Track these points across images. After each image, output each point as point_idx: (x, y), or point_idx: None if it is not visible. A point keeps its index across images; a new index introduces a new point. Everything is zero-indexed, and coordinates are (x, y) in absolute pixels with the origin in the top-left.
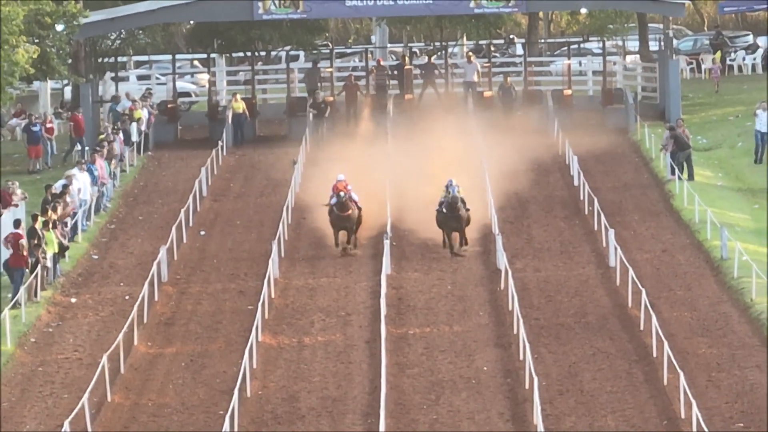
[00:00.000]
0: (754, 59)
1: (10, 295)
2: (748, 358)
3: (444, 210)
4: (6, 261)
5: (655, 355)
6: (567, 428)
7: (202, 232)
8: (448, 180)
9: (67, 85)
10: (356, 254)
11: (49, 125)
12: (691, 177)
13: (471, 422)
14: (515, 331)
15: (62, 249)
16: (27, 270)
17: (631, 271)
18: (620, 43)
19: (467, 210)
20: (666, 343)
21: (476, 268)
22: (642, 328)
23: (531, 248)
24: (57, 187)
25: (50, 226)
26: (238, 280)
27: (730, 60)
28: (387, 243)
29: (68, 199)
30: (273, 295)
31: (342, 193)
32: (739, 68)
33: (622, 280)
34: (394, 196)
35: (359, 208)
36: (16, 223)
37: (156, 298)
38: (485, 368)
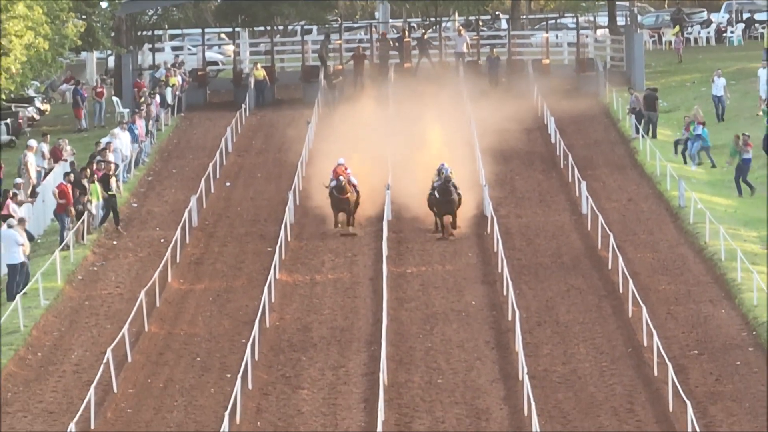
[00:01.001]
0: (708, 33)
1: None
2: (702, 294)
3: (436, 194)
4: (55, 208)
5: (621, 290)
6: (544, 354)
7: (228, 183)
8: (441, 164)
9: (110, 55)
10: (355, 234)
11: (99, 89)
12: (653, 135)
13: (461, 349)
14: (499, 270)
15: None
16: (74, 216)
17: (600, 218)
18: (592, 18)
19: (459, 194)
20: (630, 281)
21: (466, 214)
22: (610, 267)
23: (514, 197)
24: (102, 143)
25: (94, 178)
26: (259, 225)
27: (687, 33)
28: (388, 193)
29: (110, 156)
30: (289, 239)
31: (341, 177)
32: (695, 41)
33: (593, 226)
34: (395, 151)
35: (357, 192)
36: (65, 176)
37: (187, 241)
38: (473, 302)
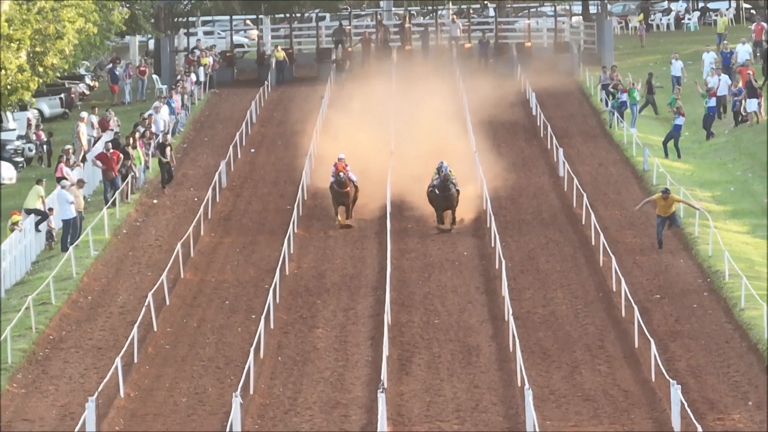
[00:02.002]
0: (668, 20)
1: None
2: (664, 246)
3: (436, 190)
4: (102, 171)
5: (593, 243)
6: (527, 298)
7: (252, 150)
8: (440, 162)
9: (150, 38)
10: (352, 226)
11: (141, 69)
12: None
13: (455, 294)
14: (488, 225)
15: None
16: (120, 178)
17: (575, 180)
18: (567, 7)
19: (457, 190)
20: (601, 234)
21: (460, 177)
22: (583, 222)
23: (500, 162)
24: (145, 115)
25: (137, 144)
26: (279, 186)
27: (650, 20)
28: (391, 154)
29: (153, 127)
30: (305, 198)
31: (341, 174)
32: (657, 27)
33: (569, 187)
34: (397, 120)
35: (356, 187)
36: (105, 144)
37: (217, 200)
38: (465, 253)
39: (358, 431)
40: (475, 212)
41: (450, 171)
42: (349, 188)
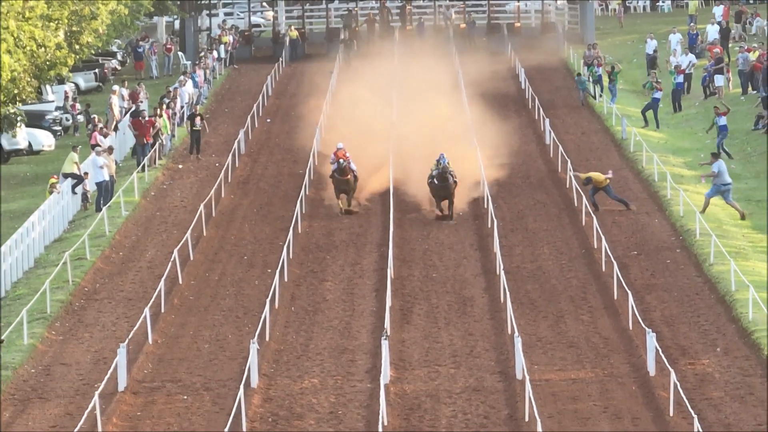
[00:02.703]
0: (645, 2)
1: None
2: (640, 207)
3: (435, 181)
4: (135, 137)
5: (576, 204)
6: (516, 254)
7: (268, 120)
8: (440, 154)
9: (176, 18)
10: (356, 212)
11: (168, 46)
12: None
13: (451, 250)
14: (481, 188)
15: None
16: (149, 145)
17: (560, 147)
18: None
19: (455, 181)
20: (584, 196)
21: (456, 144)
22: (567, 186)
23: (493, 130)
24: (171, 88)
25: (165, 115)
26: (292, 153)
27: (628, 3)
28: (393, 124)
29: (178, 99)
30: (316, 163)
31: (342, 161)
32: (634, 9)
33: (554, 153)
34: (399, 93)
35: (356, 177)
36: (132, 114)
37: (237, 165)
38: (460, 213)
39: (364, 374)
40: (472, 177)
41: (448, 163)
42: (349, 176)
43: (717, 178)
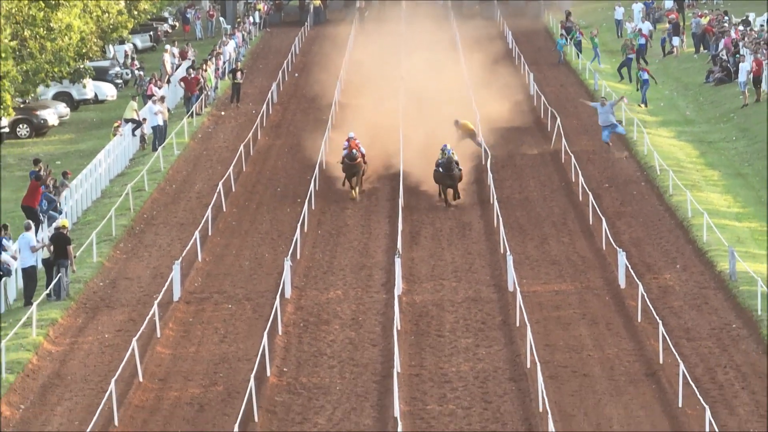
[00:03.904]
0: None
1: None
2: (613, 147)
3: (441, 169)
4: (184, 90)
5: (553, 146)
6: (507, 186)
7: (296, 74)
8: (444, 144)
9: None
10: (358, 198)
11: (211, 12)
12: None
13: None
14: (479, 138)
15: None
16: (196, 96)
17: (543, 98)
18: None
19: (459, 170)
20: (563, 139)
21: (454, 94)
22: (549, 129)
23: (486, 82)
24: (216, 48)
25: (208, 70)
26: (317, 101)
27: None
28: (402, 81)
29: (221, 57)
30: (337, 110)
31: (354, 151)
32: None
33: (537, 103)
34: (405, 50)
35: (365, 162)
36: (186, 70)
37: (270, 112)
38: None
39: (380, 287)
40: (471, 121)
41: (453, 153)
42: (359, 161)
43: (605, 123)
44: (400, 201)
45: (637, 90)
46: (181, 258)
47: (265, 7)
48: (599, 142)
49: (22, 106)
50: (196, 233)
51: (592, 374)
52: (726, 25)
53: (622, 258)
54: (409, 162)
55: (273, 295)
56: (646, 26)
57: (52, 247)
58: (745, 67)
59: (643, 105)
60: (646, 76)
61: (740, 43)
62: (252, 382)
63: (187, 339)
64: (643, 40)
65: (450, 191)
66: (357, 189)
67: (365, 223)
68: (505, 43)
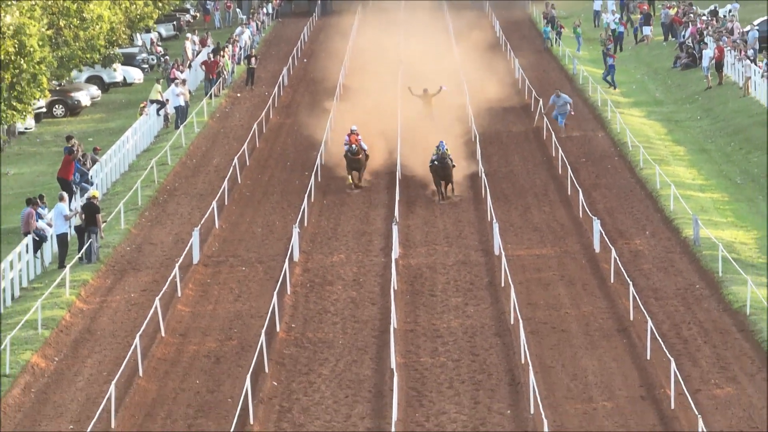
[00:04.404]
0: None
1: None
2: (587, 125)
3: (436, 163)
4: (205, 73)
5: (535, 125)
6: (494, 161)
7: (305, 60)
8: (440, 141)
9: None
10: (363, 187)
11: (228, 4)
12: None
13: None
14: (467, 112)
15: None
16: (215, 79)
17: (527, 81)
18: None
19: (453, 165)
20: (545, 118)
21: (447, 79)
22: (532, 109)
23: (474, 66)
24: (233, 36)
25: (225, 56)
26: (324, 83)
27: None
28: (401, 69)
29: (237, 44)
30: (342, 92)
31: (354, 146)
32: None
33: (522, 84)
34: (403, 35)
35: (366, 155)
36: (207, 55)
37: (281, 94)
38: (451, 130)
39: (379, 251)
40: (460, 100)
41: (447, 150)
42: (360, 155)
43: (558, 107)
44: (398, 174)
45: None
46: (200, 225)
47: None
48: (578, 122)
49: (57, 88)
50: (214, 203)
51: (569, 330)
52: (692, 15)
53: (596, 225)
54: (405, 137)
55: (282, 259)
56: (610, 19)
57: (83, 216)
58: (708, 53)
59: (613, 87)
60: (611, 61)
61: (704, 32)
62: (263, 337)
63: (204, 298)
64: (621, 28)
65: (444, 185)
66: (360, 178)
67: (366, 193)
68: (492, 32)
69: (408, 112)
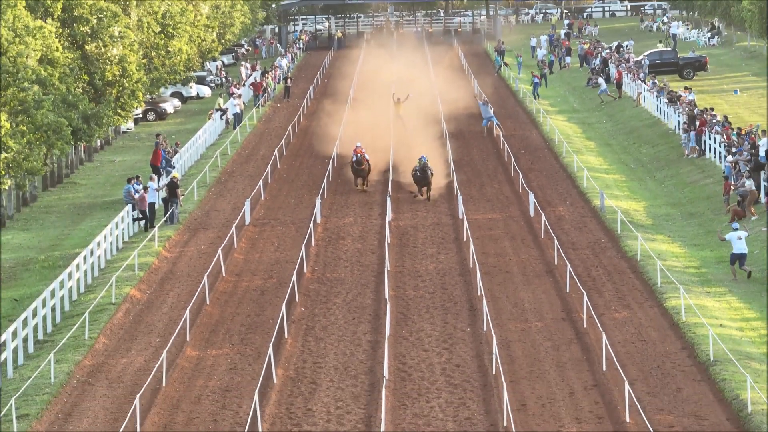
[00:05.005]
0: (527, 16)
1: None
2: (526, 126)
3: (418, 173)
4: (253, 91)
5: (487, 126)
6: (459, 152)
7: (326, 80)
8: (421, 155)
9: (276, 26)
10: (368, 191)
11: (271, 40)
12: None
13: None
14: (439, 114)
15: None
16: (261, 95)
17: (482, 93)
18: (479, 11)
19: (432, 174)
20: (495, 122)
21: (424, 90)
22: (482, 116)
23: (445, 84)
24: (275, 63)
25: (269, 78)
26: (340, 95)
27: (519, 17)
28: (394, 84)
29: (278, 69)
30: (353, 96)
31: (359, 155)
32: (523, 20)
33: (478, 97)
34: (395, 62)
35: (369, 166)
36: (255, 77)
37: (309, 104)
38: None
39: (378, 216)
40: (432, 107)
41: (427, 161)
42: (364, 166)
43: (484, 113)
44: (391, 157)
45: (535, 90)
46: (250, 197)
47: (306, 37)
48: (520, 124)
49: (150, 100)
50: (260, 181)
51: (511, 271)
52: (600, 49)
53: (531, 197)
54: (397, 130)
55: (309, 221)
56: (542, 53)
57: (167, 190)
58: (612, 75)
59: (535, 99)
60: (536, 80)
61: (608, 60)
62: (294, 277)
63: (253, 249)
64: (552, 57)
65: (425, 190)
66: (366, 183)
67: (369, 176)
68: (458, 60)
69: (397, 110)
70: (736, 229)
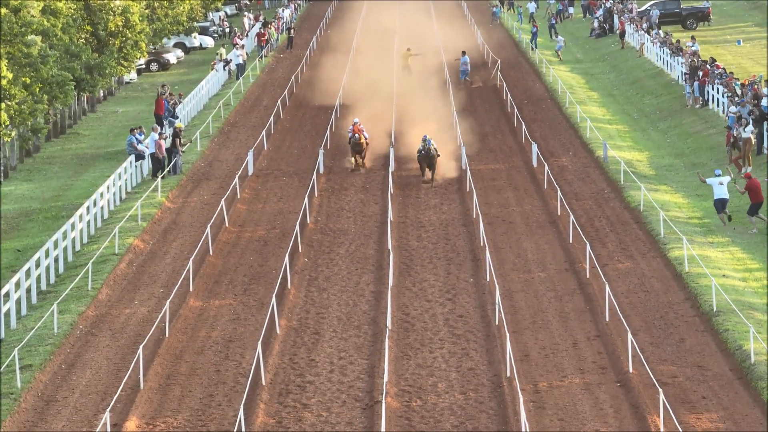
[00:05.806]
0: None
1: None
2: (528, 77)
3: (423, 153)
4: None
5: (498, 84)
6: (462, 102)
7: (328, 31)
8: (424, 135)
9: None
10: (363, 170)
11: None
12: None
13: (432, 101)
14: (443, 66)
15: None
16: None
17: (486, 45)
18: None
19: (438, 155)
20: (499, 72)
21: (428, 48)
22: (490, 65)
23: (448, 35)
24: (277, 12)
25: (272, 28)
26: (344, 46)
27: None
28: (396, 37)
29: (281, 18)
30: (355, 49)
31: (357, 135)
32: None
33: (482, 49)
34: (398, 15)
35: (367, 143)
36: (260, 27)
37: (312, 54)
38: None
39: (380, 167)
40: (436, 56)
41: (432, 143)
42: (362, 141)
43: (461, 65)
44: (393, 108)
45: (552, 38)
46: (253, 147)
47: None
48: (521, 74)
49: (153, 51)
50: (263, 132)
51: (514, 222)
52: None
53: (534, 148)
54: (399, 80)
55: (312, 171)
56: (533, 6)
57: (170, 138)
58: (616, 26)
59: (534, 49)
60: (535, 29)
61: (613, 10)
62: (297, 227)
63: (257, 199)
64: (560, 6)
65: (429, 172)
66: (363, 162)
67: (370, 125)
68: (462, 12)
69: (398, 60)
70: (719, 175)
